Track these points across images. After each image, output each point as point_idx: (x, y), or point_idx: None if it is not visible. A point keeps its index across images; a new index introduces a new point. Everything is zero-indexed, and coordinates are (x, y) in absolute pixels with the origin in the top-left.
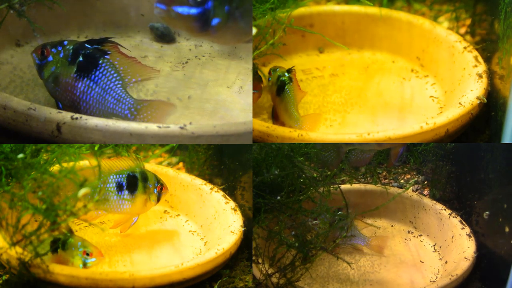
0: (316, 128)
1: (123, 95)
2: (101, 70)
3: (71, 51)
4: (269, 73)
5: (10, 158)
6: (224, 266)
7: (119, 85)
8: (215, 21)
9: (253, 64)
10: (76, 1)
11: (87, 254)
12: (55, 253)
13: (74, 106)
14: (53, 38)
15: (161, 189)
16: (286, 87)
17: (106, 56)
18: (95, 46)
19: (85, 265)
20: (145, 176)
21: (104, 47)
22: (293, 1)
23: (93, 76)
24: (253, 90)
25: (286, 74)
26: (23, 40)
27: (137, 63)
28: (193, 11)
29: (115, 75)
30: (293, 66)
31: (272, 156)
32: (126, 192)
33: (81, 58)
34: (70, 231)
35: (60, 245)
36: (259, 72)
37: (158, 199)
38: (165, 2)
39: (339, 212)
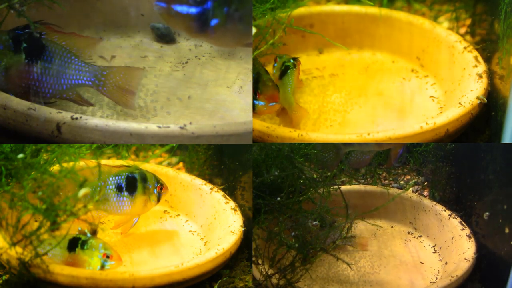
0: (300, 123)
1: (84, 64)
2: (49, 49)
3: (10, 41)
4: (275, 59)
5: (10, 158)
6: (224, 266)
7: (73, 57)
8: (213, 22)
9: (263, 68)
10: (76, 1)
11: (107, 257)
12: (72, 252)
13: (33, 90)
14: None
15: (161, 189)
16: (288, 71)
17: (43, 37)
18: (27, 30)
19: (103, 267)
20: (144, 177)
21: (37, 29)
22: (293, 1)
23: (45, 57)
24: (272, 102)
25: (292, 60)
26: None
27: (77, 36)
28: (192, 10)
29: (63, 49)
30: (298, 57)
31: (272, 157)
32: (125, 193)
33: (25, 44)
34: (94, 232)
35: (80, 245)
36: (265, 76)
37: (159, 199)
38: (165, 0)
39: (315, 223)
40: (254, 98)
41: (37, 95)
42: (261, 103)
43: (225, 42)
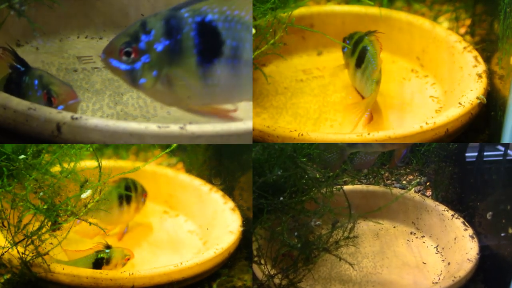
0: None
1: None
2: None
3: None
4: (344, 40)
5: (12, 159)
6: (223, 265)
7: None
8: (142, 81)
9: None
10: (76, 1)
11: (128, 259)
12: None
13: None
14: (53, 38)
15: (144, 194)
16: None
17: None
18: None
19: (123, 266)
20: (135, 185)
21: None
22: (294, 1)
23: None
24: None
25: (365, 37)
26: (23, 40)
27: None
28: (123, 66)
29: None
30: (374, 31)
31: (275, 156)
32: (125, 203)
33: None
34: (108, 246)
35: (105, 263)
36: None
37: (144, 202)
38: (105, 52)
39: (317, 223)
40: None
41: None
42: None
43: (161, 100)
